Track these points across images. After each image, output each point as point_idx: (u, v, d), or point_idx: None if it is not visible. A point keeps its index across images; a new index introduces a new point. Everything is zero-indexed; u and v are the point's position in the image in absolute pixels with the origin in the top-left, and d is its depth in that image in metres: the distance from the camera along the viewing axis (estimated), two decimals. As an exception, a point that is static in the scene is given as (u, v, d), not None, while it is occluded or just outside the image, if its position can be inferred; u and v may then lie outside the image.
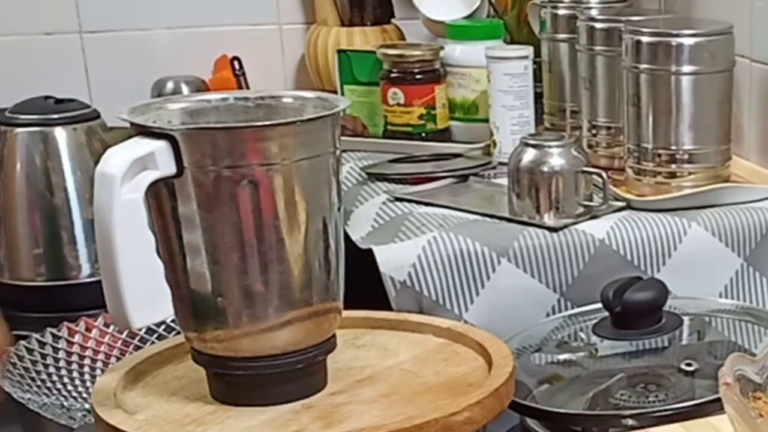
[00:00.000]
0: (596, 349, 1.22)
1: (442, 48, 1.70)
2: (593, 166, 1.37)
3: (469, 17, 1.80)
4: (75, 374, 1.20)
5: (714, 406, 0.96)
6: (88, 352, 1.22)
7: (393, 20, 2.00)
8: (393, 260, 1.25)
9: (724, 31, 1.38)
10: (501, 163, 1.51)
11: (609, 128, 1.53)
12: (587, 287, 1.26)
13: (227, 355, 0.93)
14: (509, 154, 1.38)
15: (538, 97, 1.65)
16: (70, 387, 1.19)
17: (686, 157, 1.39)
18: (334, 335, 1.00)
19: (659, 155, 1.39)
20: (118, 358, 1.22)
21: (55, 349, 1.20)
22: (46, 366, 1.19)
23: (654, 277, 1.27)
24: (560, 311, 1.28)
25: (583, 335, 1.24)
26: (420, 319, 1.13)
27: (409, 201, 1.42)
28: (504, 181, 1.41)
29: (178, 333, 1.08)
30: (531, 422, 1.14)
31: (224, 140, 0.90)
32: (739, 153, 1.51)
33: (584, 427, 1.11)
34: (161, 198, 0.92)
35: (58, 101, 1.59)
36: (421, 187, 1.47)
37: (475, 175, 1.52)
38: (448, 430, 0.92)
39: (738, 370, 0.69)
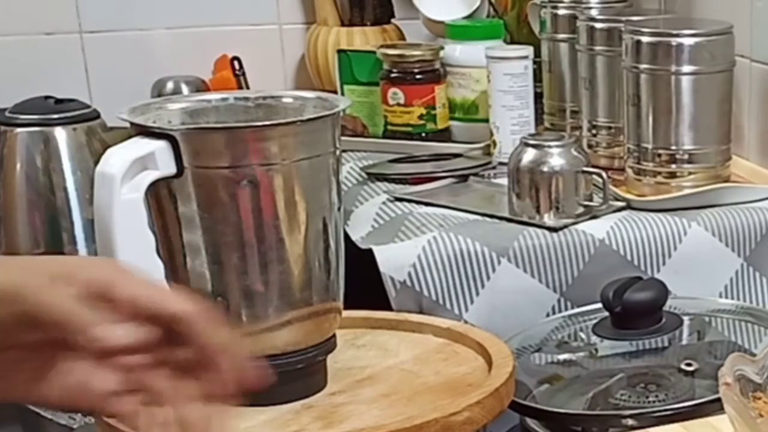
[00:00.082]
0: (596, 349, 1.22)
1: (442, 48, 1.70)
2: (593, 166, 1.37)
3: (469, 17, 1.80)
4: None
5: (714, 406, 0.96)
6: (88, 352, 1.22)
7: (393, 20, 1.99)
8: (393, 260, 1.25)
9: (724, 31, 1.38)
10: (501, 163, 1.51)
11: (609, 128, 1.53)
12: (587, 287, 1.26)
13: (227, 355, 0.93)
14: (509, 154, 1.38)
15: (538, 97, 1.65)
16: (70, 387, 1.18)
17: (686, 157, 1.39)
18: (334, 335, 1.00)
19: (659, 155, 1.39)
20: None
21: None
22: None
23: (654, 277, 1.27)
24: (560, 311, 1.28)
25: (583, 335, 1.24)
26: (420, 319, 1.13)
27: (409, 201, 1.41)
28: (504, 181, 1.41)
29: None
30: (531, 422, 1.14)
31: (224, 140, 0.90)
32: (739, 153, 1.51)
33: (584, 427, 1.11)
34: (161, 198, 0.92)
35: (58, 101, 1.59)
36: (421, 187, 1.47)
37: (475, 175, 1.51)
38: (448, 430, 0.92)
39: (738, 370, 0.69)
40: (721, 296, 1.34)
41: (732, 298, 1.34)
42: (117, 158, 0.89)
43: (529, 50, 1.59)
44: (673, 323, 1.19)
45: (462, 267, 1.26)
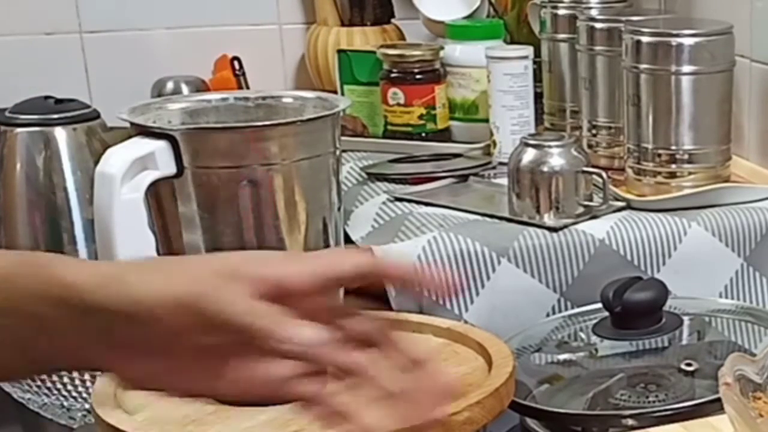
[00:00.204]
0: (596, 349, 1.22)
1: (442, 48, 1.70)
2: (593, 166, 1.37)
3: (469, 17, 1.80)
4: (75, 374, 1.20)
5: (714, 406, 0.96)
6: (88, 352, 1.22)
7: (393, 20, 1.99)
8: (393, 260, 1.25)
9: (724, 31, 1.38)
10: (501, 163, 1.51)
11: (609, 128, 1.53)
12: (587, 287, 1.26)
13: (227, 355, 0.93)
14: (509, 154, 1.38)
15: (538, 97, 1.65)
16: (70, 387, 1.19)
17: (686, 157, 1.39)
18: (334, 335, 0.99)
19: (659, 155, 1.39)
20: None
21: (55, 349, 1.20)
22: (46, 366, 1.18)
23: (654, 277, 1.27)
24: (560, 311, 1.28)
25: (583, 335, 1.23)
26: (420, 319, 1.13)
27: (409, 201, 1.41)
28: (504, 181, 1.40)
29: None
30: (531, 422, 1.14)
31: (224, 140, 0.90)
32: (739, 153, 1.51)
33: (584, 427, 1.11)
34: (161, 198, 0.92)
35: (58, 101, 1.59)
36: (421, 187, 1.47)
37: (475, 175, 1.51)
38: (448, 430, 0.92)
39: (738, 370, 0.69)
40: (721, 296, 1.34)
41: (732, 298, 1.34)
42: (117, 158, 0.89)
43: (529, 50, 1.59)
44: (673, 323, 1.19)
45: (462, 267, 1.26)
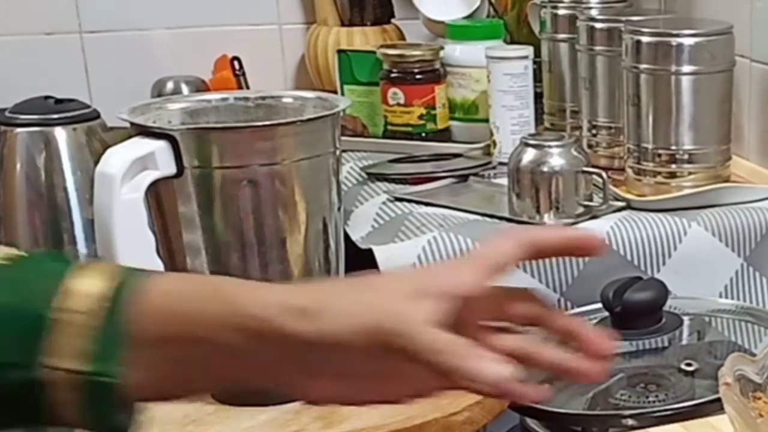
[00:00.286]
0: (596, 349, 1.21)
1: (442, 48, 1.70)
2: (593, 166, 1.37)
3: (469, 17, 1.80)
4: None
5: (714, 406, 0.96)
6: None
7: (393, 20, 1.99)
8: (393, 260, 1.25)
9: (724, 31, 1.38)
10: (501, 163, 1.51)
11: (609, 128, 1.53)
12: (587, 287, 1.26)
13: (227, 355, 0.93)
14: (509, 154, 1.38)
15: (538, 97, 1.65)
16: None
17: (686, 157, 1.39)
18: (334, 335, 0.99)
19: (659, 155, 1.39)
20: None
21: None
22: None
23: (654, 277, 1.27)
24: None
25: (583, 335, 1.23)
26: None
27: (409, 201, 1.41)
28: (504, 181, 1.40)
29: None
30: (531, 422, 1.14)
31: (224, 140, 0.90)
32: (739, 153, 1.51)
33: (584, 427, 1.11)
34: (161, 198, 0.92)
35: (58, 101, 1.59)
36: (421, 187, 1.47)
37: (475, 175, 1.51)
38: (448, 430, 0.92)
39: (738, 370, 0.69)
40: (721, 296, 1.34)
41: (732, 298, 1.34)
42: (117, 158, 0.89)
43: (529, 50, 1.59)
44: (673, 323, 1.19)
45: (462, 267, 1.26)
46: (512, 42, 1.78)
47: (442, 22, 1.78)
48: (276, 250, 0.92)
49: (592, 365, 0.63)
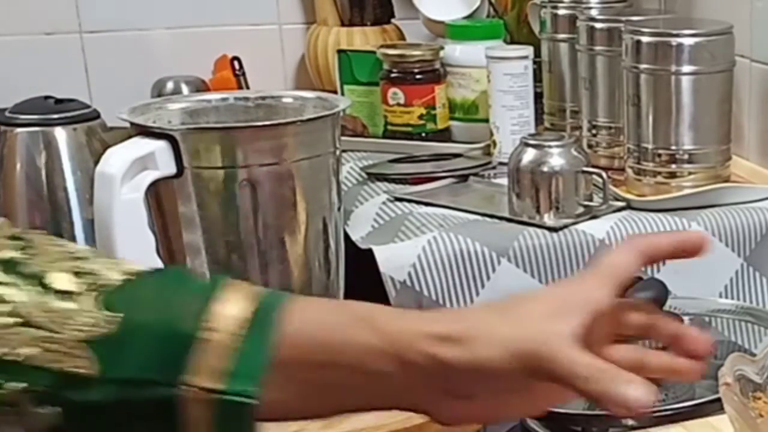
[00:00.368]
0: (596, 349, 1.21)
1: (442, 48, 1.70)
2: (593, 166, 1.37)
3: (469, 17, 1.80)
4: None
5: (714, 406, 0.96)
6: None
7: (393, 20, 1.99)
8: (393, 260, 1.25)
9: (724, 31, 1.38)
10: (501, 163, 1.51)
11: (609, 128, 1.53)
12: (587, 287, 1.26)
13: (227, 355, 0.93)
14: (509, 154, 1.38)
15: (538, 97, 1.65)
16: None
17: (686, 157, 1.39)
18: (334, 335, 0.99)
19: (659, 155, 1.39)
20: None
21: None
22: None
23: (654, 277, 1.26)
24: (560, 311, 1.28)
25: (583, 335, 1.23)
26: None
27: (409, 201, 1.41)
28: (504, 181, 1.40)
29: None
30: (531, 422, 1.14)
31: (224, 140, 0.90)
32: (739, 153, 1.51)
33: (584, 427, 1.10)
34: (161, 198, 0.92)
35: (58, 101, 1.59)
36: (421, 187, 1.47)
37: (475, 175, 1.51)
38: (448, 430, 0.92)
39: (738, 370, 0.69)
40: (721, 296, 1.34)
41: (732, 298, 1.34)
42: (117, 158, 0.89)
43: (529, 50, 1.59)
44: (673, 323, 1.18)
45: (462, 267, 1.26)
46: (512, 42, 1.78)
47: (442, 22, 1.78)
48: (276, 250, 0.92)
49: (695, 364, 0.66)
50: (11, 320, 0.60)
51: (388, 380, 0.62)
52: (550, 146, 1.33)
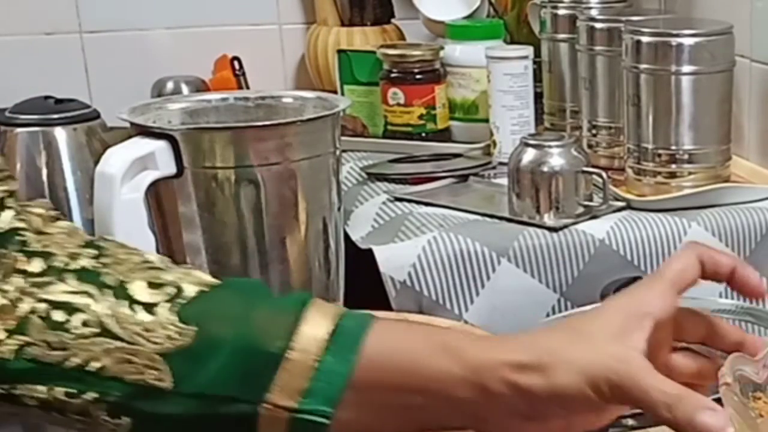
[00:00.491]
0: (596, 349, 1.21)
1: (442, 48, 1.70)
2: (593, 166, 1.37)
3: (469, 17, 1.80)
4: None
5: (714, 406, 0.95)
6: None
7: (393, 20, 1.99)
8: (393, 260, 1.25)
9: (724, 31, 1.38)
10: (501, 163, 1.51)
11: (609, 128, 1.53)
12: (587, 287, 1.26)
13: (227, 355, 0.93)
14: (509, 154, 1.38)
15: (538, 97, 1.65)
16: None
17: (686, 157, 1.39)
18: (334, 335, 0.99)
19: (659, 155, 1.39)
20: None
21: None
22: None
23: (654, 277, 1.27)
24: (560, 311, 1.28)
25: (583, 335, 1.23)
26: (420, 319, 1.13)
27: (409, 201, 1.41)
28: (504, 181, 1.40)
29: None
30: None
31: (224, 140, 0.90)
32: (739, 153, 1.51)
33: (584, 427, 1.10)
34: (161, 198, 0.92)
35: (58, 101, 1.59)
36: (421, 187, 1.47)
37: (475, 175, 1.51)
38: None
39: (738, 370, 0.68)
40: (721, 296, 1.34)
41: (732, 298, 1.34)
42: (117, 158, 0.89)
43: (529, 50, 1.59)
44: (673, 323, 1.18)
45: (462, 267, 1.26)
46: (512, 42, 1.78)
47: (442, 22, 1.78)
48: (276, 250, 0.92)
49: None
50: (88, 330, 0.60)
51: (468, 406, 0.62)
52: (550, 146, 1.33)
